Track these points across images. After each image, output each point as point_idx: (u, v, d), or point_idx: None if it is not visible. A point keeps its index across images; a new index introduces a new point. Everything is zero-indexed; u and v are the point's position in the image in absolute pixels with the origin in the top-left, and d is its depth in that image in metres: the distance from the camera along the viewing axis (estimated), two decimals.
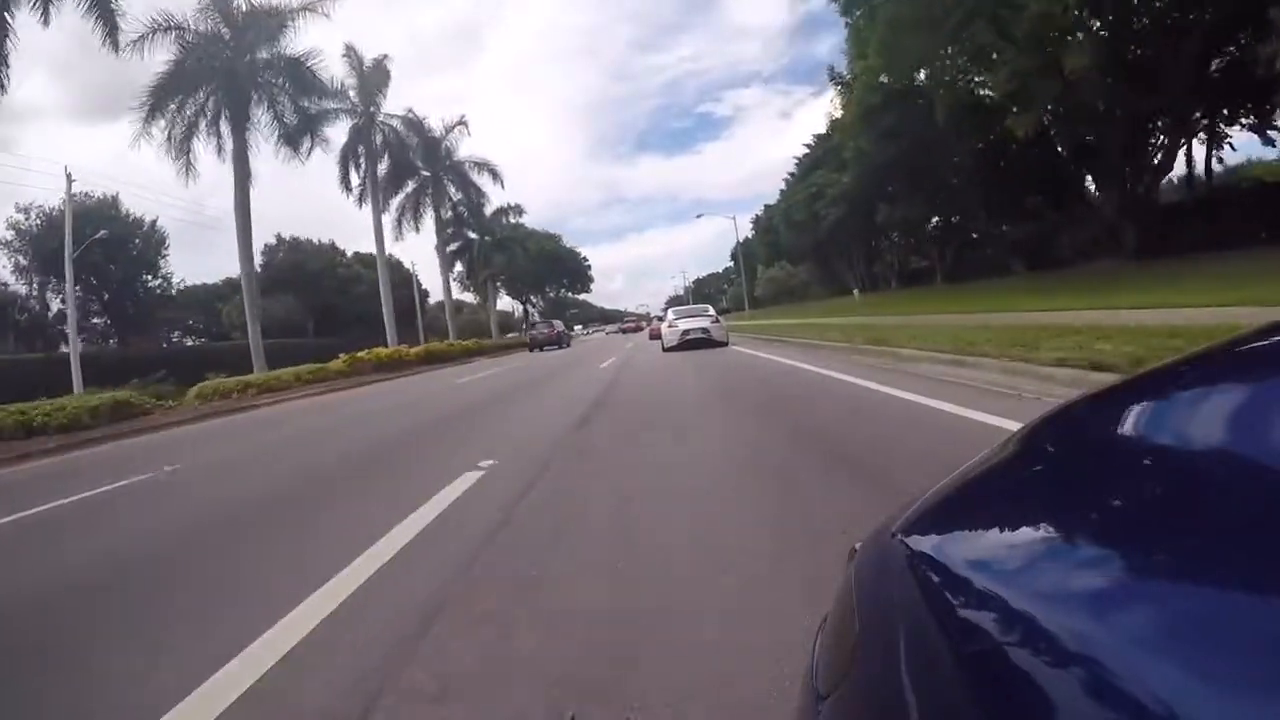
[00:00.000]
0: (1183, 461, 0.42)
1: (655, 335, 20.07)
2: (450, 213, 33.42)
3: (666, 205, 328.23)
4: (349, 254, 53.73)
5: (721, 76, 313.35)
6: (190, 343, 59.44)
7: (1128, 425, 0.49)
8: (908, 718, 0.38)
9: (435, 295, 55.90)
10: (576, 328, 65.36)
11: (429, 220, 32.39)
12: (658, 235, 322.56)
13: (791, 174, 51.74)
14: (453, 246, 38.97)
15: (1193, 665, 0.28)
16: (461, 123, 31.87)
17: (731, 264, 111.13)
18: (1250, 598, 0.30)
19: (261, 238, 52.76)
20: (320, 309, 61.14)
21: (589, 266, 63.84)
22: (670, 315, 17.47)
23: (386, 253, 27.65)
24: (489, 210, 40.19)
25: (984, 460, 0.59)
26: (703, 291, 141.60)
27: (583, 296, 78.47)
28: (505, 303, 52.26)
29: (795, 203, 44.14)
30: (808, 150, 44.72)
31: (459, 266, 40.84)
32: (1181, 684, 0.27)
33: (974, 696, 0.35)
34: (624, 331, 56.46)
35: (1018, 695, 0.33)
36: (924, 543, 0.49)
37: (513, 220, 44.55)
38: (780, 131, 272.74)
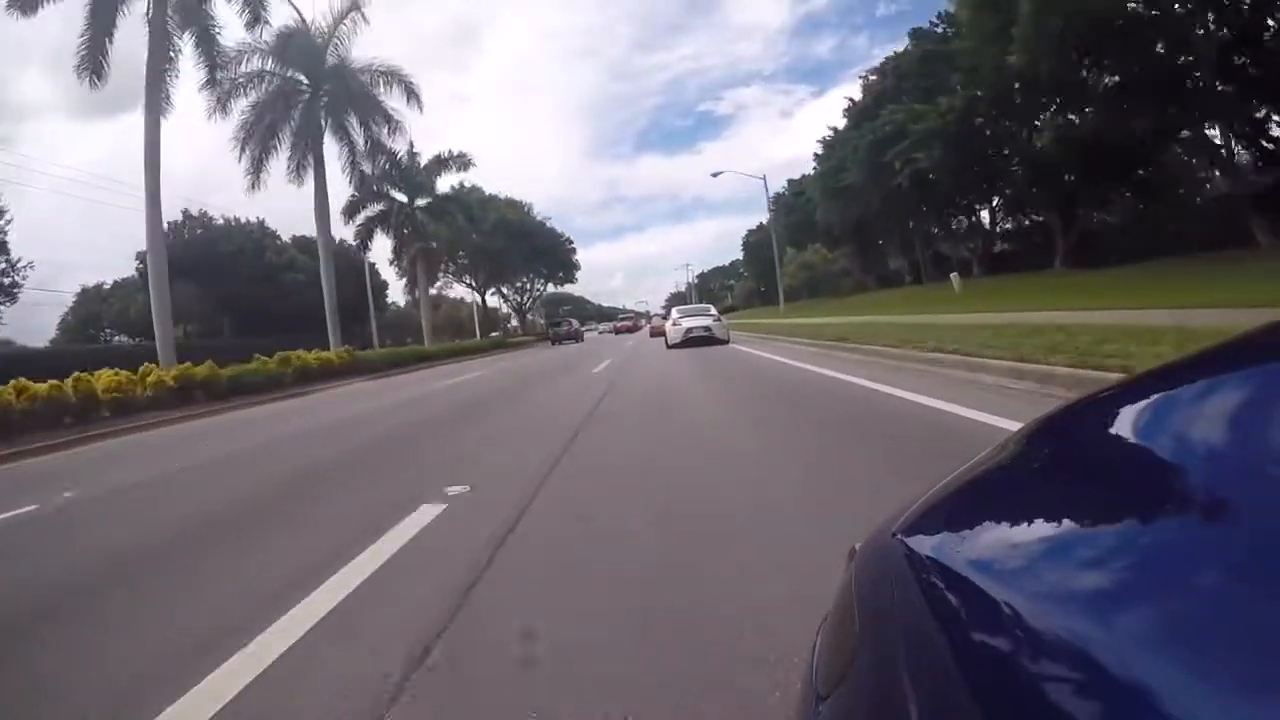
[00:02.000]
0: (1184, 462, 0.42)
1: (658, 333, 19.48)
2: (349, 152, 20.91)
3: (667, 204, 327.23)
4: (285, 238, 41.27)
5: (722, 76, 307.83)
6: (123, 341, 47.78)
7: (1128, 425, 0.48)
8: (907, 718, 0.39)
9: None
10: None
11: (329, 172, 20.09)
12: (658, 234, 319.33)
13: (834, 129, 39.31)
14: (370, 211, 26.44)
15: (1193, 666, 0.28)
16: (356, 8, 19.36)
17: (742, 255, 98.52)
18: (1251, 598, 0.30)
19: (169, 214, 40.20)
20: (241, 302, 48.00)
21: (573, 250, 51.10)
22: (675, 314, 17.11)
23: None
24: (423, 162, 27.53)
25: (984, 460, 0.58)
26: (706, 287, 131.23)
27: (568, 289, 65.84)
28: (482, 297, 39.61)
29: (847, 157, 31.54)
30: (866, 86, 32.08)
31: (387, 244, 28.29)
32: (1182, 684, 0.27)
33: (974, 697, 0.35)
34: (617, 332, 44.11)
35: (1018, 696, 0.33)
36: (924, 543, 0.48)
37: (464, 182, 32.24)
38: (781, 131, 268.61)
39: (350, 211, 27.40)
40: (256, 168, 21.41)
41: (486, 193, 38.02)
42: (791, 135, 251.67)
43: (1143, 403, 0.51)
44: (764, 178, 32.28)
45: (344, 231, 28.48)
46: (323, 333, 19.35)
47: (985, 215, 36.58)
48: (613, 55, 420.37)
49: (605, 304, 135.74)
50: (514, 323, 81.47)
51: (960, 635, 0.38)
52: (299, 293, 50.90)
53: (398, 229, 27.98)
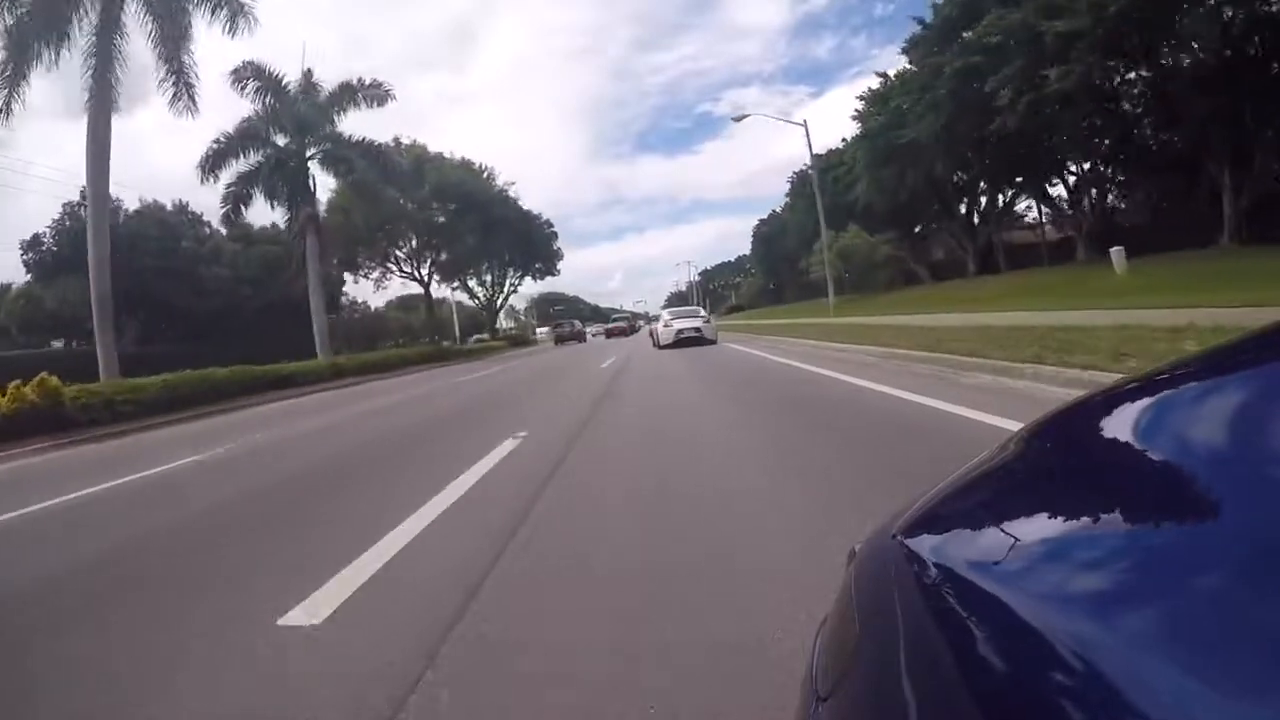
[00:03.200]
0: (1184, 463, 0.42)
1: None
2: (168, 61, 12.45)
3: (666, 205, 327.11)
4: (213, 224, 32.58)
5: (721, 76, 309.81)
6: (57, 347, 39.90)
7: (1129, 426, 0.49)
8: (907, 719, 0.39)
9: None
10: (544, 330, 64.09)
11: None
12: (657, 235, 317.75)
13: (884, 77, 30.81)
14: (244, 164, 17.91)
15: (1193, 666, 0.28)
16: None
17: (750, 250, 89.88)
18: (1251, 599, 0.30)
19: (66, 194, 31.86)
20: (148, 301, 39.26)
21: (553, 233, 42.08)
22: (665, 316, 17.53)
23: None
24: (323, 94, 19.06)
25: (984, 461, 0.59)
26: (708, 286, 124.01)
27: (558, 286, 56.92)
28: (426, 289, 30.50)
29: (913, 103, 23.01)
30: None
31: (279, 213, 19.73)
32: (1182, 685, 0.28)
33: (974, 698, 0.35)
34: (609, 335, 37.84)
35: (1018, 696, 0.33)
36: (924, 544, 0.49)
37: (402, 138, 23.59)
38: (780, 131, 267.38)
39: (212, 165, 18.69)
40: (10, 79, 12.99)
41: (427, 149, 28.96)
42: (790, 136, 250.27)
43: (1143, 403, 0.51)
44: (804, 122, 23.75)
45: (210, 195, 20.01)
46: (251, 340, 11.82)
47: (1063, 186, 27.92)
48: (613, 55, 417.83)
49: (604, 304, 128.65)
50: (504, 324, 72.37)
51: (960, 636, 0.38)
52: (223, 290, 42.25)
53: (287, 187, 19.20)
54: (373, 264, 29.27)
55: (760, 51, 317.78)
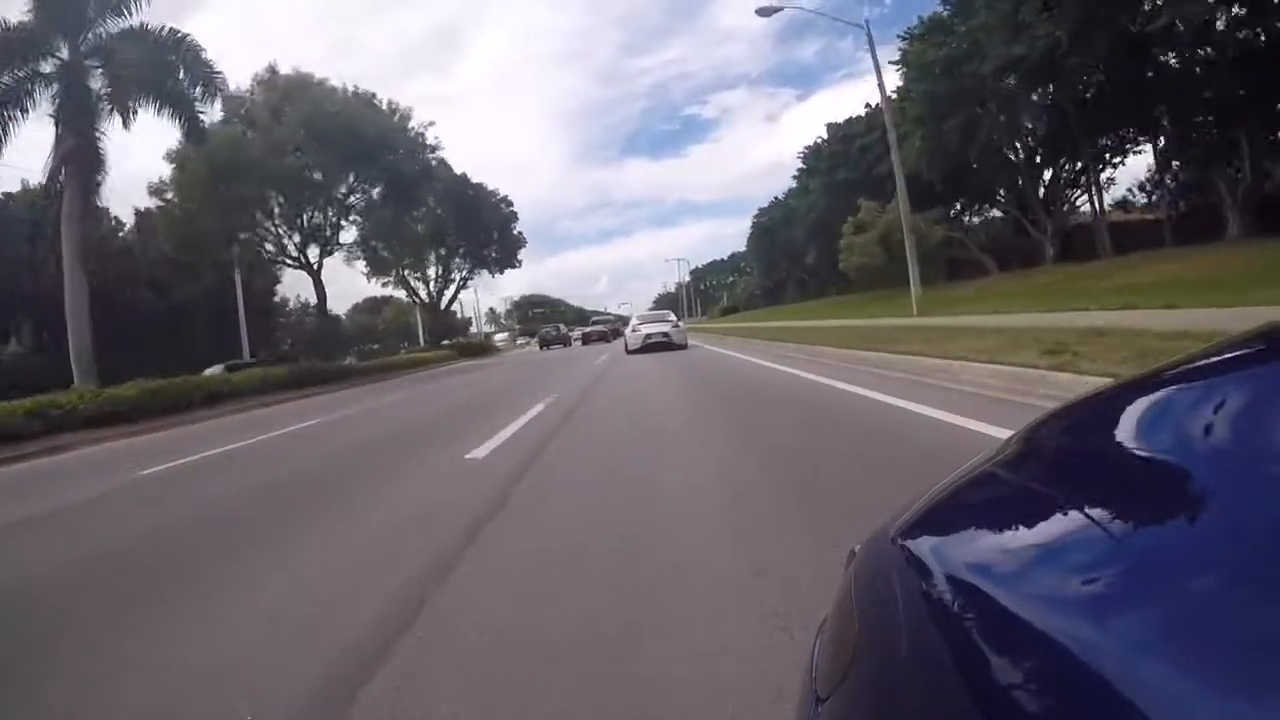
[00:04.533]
0: (1183, 462, 0.43)
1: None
2: None
3: (652, 208, 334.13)
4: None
5: (707, 79, 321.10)
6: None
7: (1127, 426, 0.52)
8: None
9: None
10: (502, 336, 66.19)
11: None
12: (644, 238, 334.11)
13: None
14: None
15: (1191, 667, 0.29)
16: None
17: (746, 245, 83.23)
18: (1249, 600, 0.31)
19: None
20: (45, 301, 31.95)
21: (512, 212, 34.32)
22: (634, 321, 18.06)
23: None
24: None
25: (983, 462, 0.62)
26: (699, 285, 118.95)
27: (536, 285, 49.22)
28: (315, 277, 22.65)
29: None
30: None
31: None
32: (1180, 686, 0.28)
33: (973, 700, 0.36)
34: (586, 341, 36.75)
35: (1017, 698, 0.34)
36: (923, 545, 0.51)
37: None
38: (767, 134, 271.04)
39: None
40: None
41: (312, 78, 21.13)
42: (777, 139, 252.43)
43: (1141, 403, 0.54)
44: (866, 22, 17.01)
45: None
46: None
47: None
48: (600, 58, 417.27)
49: (589, 307, 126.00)
50: (479, 329, 64.95)
51: (959, 638, 0.39)
52: (114, 289, 34.36)
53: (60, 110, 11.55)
54: (251, 243, 21.34)
55: (746, 54, 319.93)
